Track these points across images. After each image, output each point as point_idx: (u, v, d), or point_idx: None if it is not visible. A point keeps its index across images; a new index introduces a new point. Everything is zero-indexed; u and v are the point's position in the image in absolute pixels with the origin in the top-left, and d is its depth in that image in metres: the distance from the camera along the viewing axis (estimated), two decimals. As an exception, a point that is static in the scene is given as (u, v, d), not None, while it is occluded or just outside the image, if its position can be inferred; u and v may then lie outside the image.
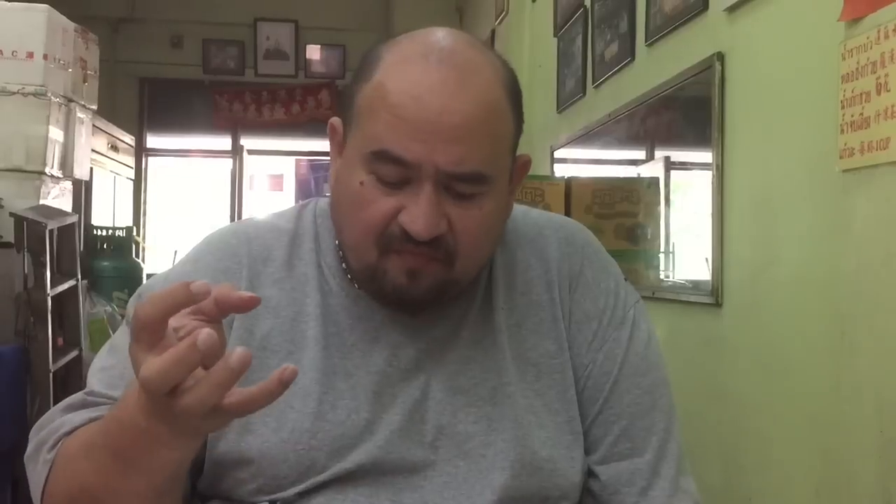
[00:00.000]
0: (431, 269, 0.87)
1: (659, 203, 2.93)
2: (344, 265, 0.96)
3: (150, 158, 7.46)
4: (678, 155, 3.06)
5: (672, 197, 2.95)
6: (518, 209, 1.03)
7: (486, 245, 0.92)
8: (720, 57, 2.14)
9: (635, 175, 3.35)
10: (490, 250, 0.95)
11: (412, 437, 0.90)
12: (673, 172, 3.07)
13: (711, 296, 2.18)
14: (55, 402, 3.59)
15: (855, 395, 1.55)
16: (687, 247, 2.81)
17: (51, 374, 3.73)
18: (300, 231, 0.99)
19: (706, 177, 2.25)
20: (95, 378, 0.94)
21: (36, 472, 0.87)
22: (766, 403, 1.91)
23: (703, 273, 2.27)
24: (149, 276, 5.45)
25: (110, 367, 0.94)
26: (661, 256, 2.93)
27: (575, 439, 0.94)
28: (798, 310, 1.78)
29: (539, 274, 0.98)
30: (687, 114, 2.64)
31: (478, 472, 0.90)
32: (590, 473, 0.96)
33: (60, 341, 3.94)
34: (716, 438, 2.14)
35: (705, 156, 2.25)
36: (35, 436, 0.89)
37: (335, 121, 0.94)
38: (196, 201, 8.55)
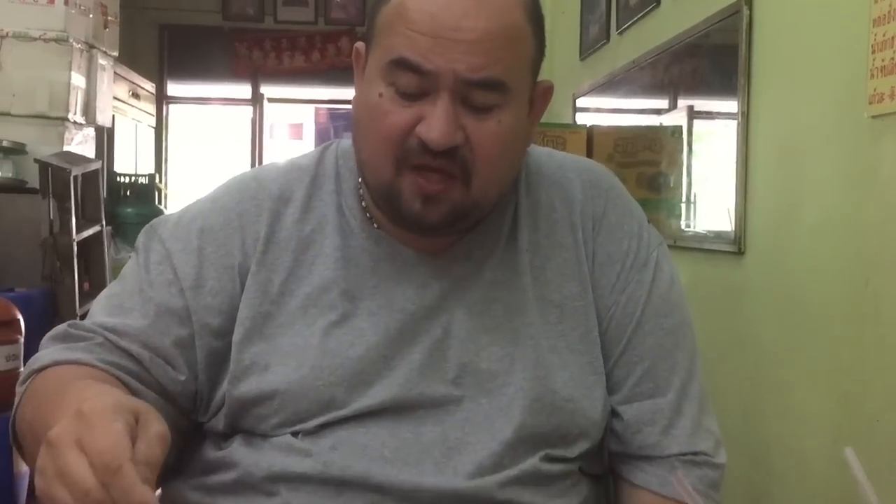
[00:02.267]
0: (447, 192, 0.87)
1: (682, 151, 2.90)
2: (364, 204, 0.96)
3: (170, 106, 7.46)
4: (702, 104, 3.02)
5: (695, 147, 2.93)
6: (542, 150, 1.04)
7: (504, 163, 0.91)
8: (748, 1, 2.10)
9: (658, 123, 3.32)
10: (509, 172, 0.94)
11: (434, 374, 0.92)
12: (696, 122, 3.04)
13: (734, 244, 2.17)
14: (83, 345, 3.56)
15: (877, 343, 1.55)
16: (709, 197, 2.79)
17: (78, 318, 3.80)
18: (321, 172, 1.00)
19: (730, 126, 2.23)
20: (99, 305, 0.97)
21: (14, 402, 0.92)
22: (786, 351, 1.92)
23: (725, 224, 2.26)
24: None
25: (114, 295, 0.97)
26: (683, 206, 2.92)
27: (597, 380, 0.96)
28: (822, 257, 1.77)
29: (563, 216, 0.99)
30: (712, 61, 2.60)
31: (499, 410, 0.92)
32: (612, 413, 0.98)
33: (87, 286, 4.01)
34: (735, 386, 2.15)
35: (730, 105, 2.23)
36: (24, 369, 0.94)
37: (359, 45, 0.94)
38: (216, 150, 8.57)
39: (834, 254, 1.71)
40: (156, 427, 0.67)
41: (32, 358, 0.93)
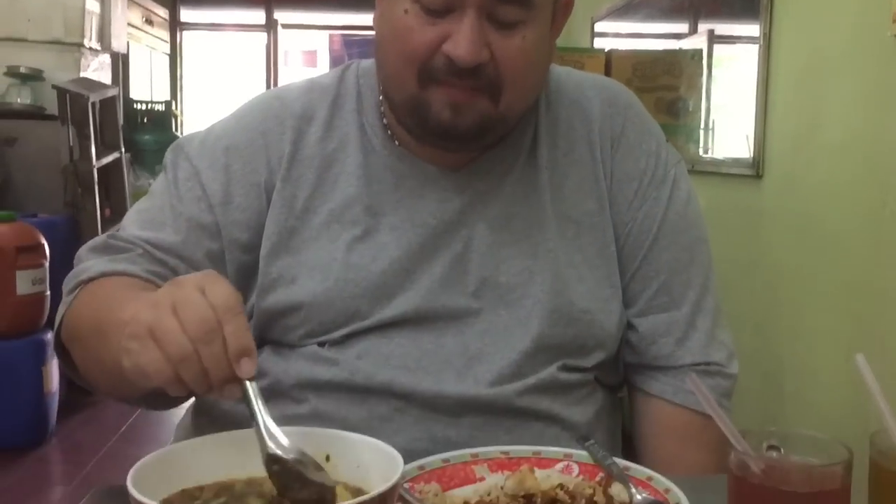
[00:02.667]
0: (475, 102, 0.87)
1: (701, 76, 2.87)
2: (385, 122, 0.98)
3: (184, 33, 7.39)
4: (723, 28, 2.97)
5: (714, 72, 2.89)
6: (561, 69, 1.04)
7: (529, 78, 0.91)
8: (772, -81, 2.06)
9: (678, 48, 3.27)
10: (534, 86, 0.94)
11: (454, 287, 0.94)
12: (716, 46, 3.00)
13: (752, 167, 2.17)
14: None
15: (892, 264, 1.57)
16: (727, 123, 2.77)
17: (104, 240, 3.86)
18: (342, 91, 1.01)
19: (751, 51, 2.20)
20: (130, 219, 0.99)
21: (59, 310, 0.95)
22: (801, 272, 1.93)
23: (743, 150, 2.25)
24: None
25: (145, 210, 0.99)
26: (701, 132, 2.91)
27: (613, 293, 0.98)
28: (840, 179, 1.77)
29: (582, 134, 1.00)
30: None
31: (517, 321, 0.94)
32: (628, 325, 1.00)
33: (108, 212, 4.05)
34: (749, 307, 2.18)
35: (751, 28, 2.20)
36: (69, 279, 0.95)
37: None
38: (231, 77, 8.51)
39: (852, 175, 1.72)
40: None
41: (77, 269, 0.95)
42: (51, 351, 3.31)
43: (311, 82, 1.02)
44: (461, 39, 0.83)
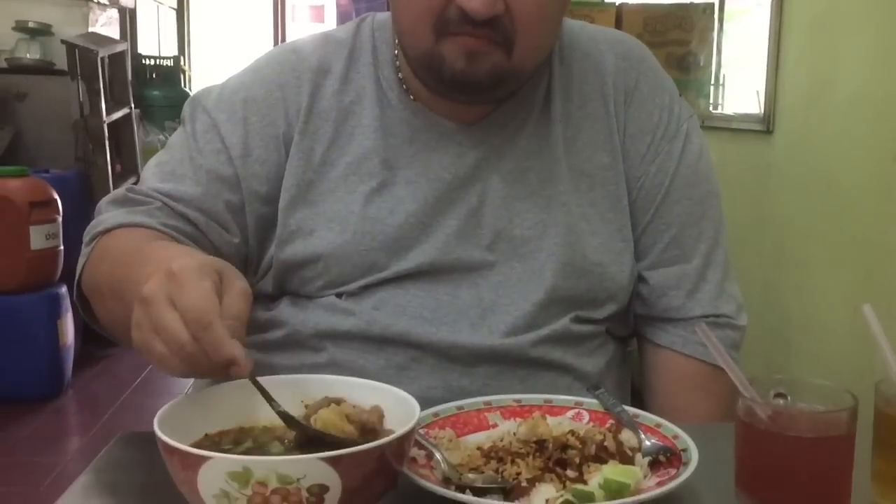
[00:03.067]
0: (489, 52, 0.87)
1: (712, 30, 2.85)
2: (401, 76, 0.98)
3: (191, -14, 7.32)
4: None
5: (726, 26, 2.87)
6: (575, 23, 1.04)
7: (543, 30, 0.91)
8: None
9: (689, 2, 3.24)
10: (548, 39, 0.95)
11: (469, 239, 0.96)
12: (728, 1, 2.97)
13: (762, 123, 2.17)
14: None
15: (901, 218, 1.58)
16: (738, 78, 2.75)
17: (114, 197, 3.88)
18: (358, 44, 1.01)
19: (763, 4, 2.18)
20: (150, 172, 1.00)
21: (79, 262, 0.96)
22: (810, 228, 1.94)
23: (753, 106, 2.24)
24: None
25: (164, 163, 1.00)
26: (712, 88, 2.89)
27: (626, 246, 0.99)
28: (850, 134, 1.77)
29: (595, 87, 1.00)
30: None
31: (531, 273, 0.96)
32: (639, 278, 1.01)
33: (118, 168, 4.06)
34: (758, 263, 2.19)
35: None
36: (87, 231, 0.97)
37: None
38: (238, 32, 8.45)
39: (863, 131, 1.72)
40: (239, 284, 0.70)
41: (95, 221, 0.97)
42: (65, 305, 3.35)
43: (327, 35, 1.03)
44: None
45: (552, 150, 0.98)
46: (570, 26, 1.02)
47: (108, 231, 0.94)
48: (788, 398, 0.68)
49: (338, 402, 0.72)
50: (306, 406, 0.73)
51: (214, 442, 0.69)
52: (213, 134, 0.97)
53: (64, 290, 3.36)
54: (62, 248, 3.33)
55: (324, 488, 0.58)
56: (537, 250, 0.96)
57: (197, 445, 0.66)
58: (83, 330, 3.66)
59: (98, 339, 4.00)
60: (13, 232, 3.15)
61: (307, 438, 0.67)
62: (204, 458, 0.58)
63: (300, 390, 0.74)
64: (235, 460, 0.58)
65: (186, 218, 0.95)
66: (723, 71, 2.94)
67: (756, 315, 2.13)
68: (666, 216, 1.00)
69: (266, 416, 0.71)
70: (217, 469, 0.58)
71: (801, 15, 2.01)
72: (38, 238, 3.21)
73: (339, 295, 0.95)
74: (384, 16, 1.02)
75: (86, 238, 0.96)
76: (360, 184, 0.95)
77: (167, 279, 0.68)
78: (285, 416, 0.68)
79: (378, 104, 0.98)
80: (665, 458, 0.73)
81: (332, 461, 0.58)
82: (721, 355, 0.68)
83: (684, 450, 0.72)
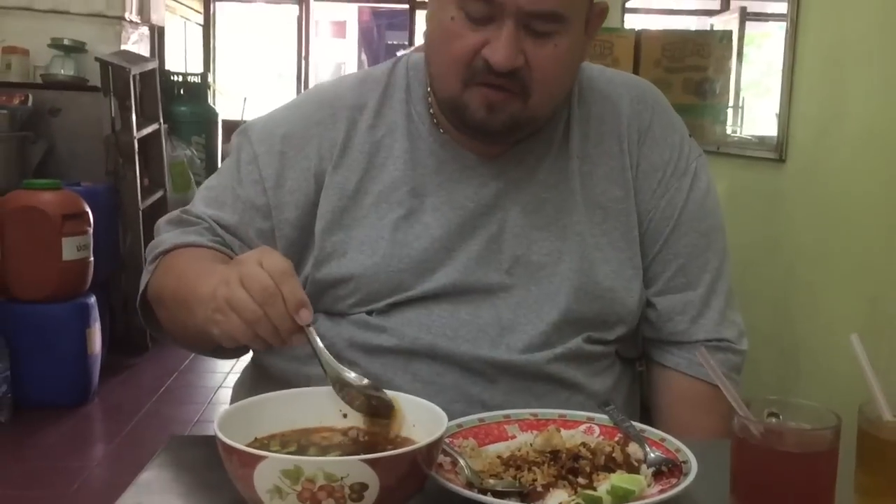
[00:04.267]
0: (508, 102, 0.97)
1: (730, 58, 2.92)
2: (431, 111, 1.07)
3: (217, 3, 7.48)
4: (755, 5, 3.01)
5: (745, 49, 2.93)
6: (594, 68, 1.12)
7: (558, 82, 1.00)
8: None
9: (709, 26, 3.31)
10: (563, 89, 1.03)
11: (490, 264, 1.04)
12: (748, 24, 3.03)
13: (776, 151, 2.23)
14: (145, 240, 3.91)
15: (905, 248, 1.64)
16: (757, 101, 2.81)
17: (140, 212, 3.99)
18: (392, 82, 1.10)
19: (782, 28, 2.24)
20: (200, 195, 1.13)
21: (143, 278, 1.09)
22: (819, 255, 2.00)
23: (772, 128, 2.30)
24: (224, 122, 5.63)
25: (212, 188, 1.12)
26: (730, 111, 2.95)
27: (635, 274, 1.07)
28: (860, 166, 1.84)
29: (611, 127, 1.08)
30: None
31: (546, 296, 1.03)
32: (647, 304, 1.09)
33: (146, 182, 4.18)
34: (768, 286, 2.26)
35: (782, 6, 2.24)
36: (149, 250, 1.10)
37: None
38: (263, 48, 8.59)
39: (872, 164, 1.78)
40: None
41: (155, 241, 1.10)
42: (94, 314, 3.45)
43: (366, 74, 1.12)
44: (499, 46, 0.93)
45: (569, 184, 1.06)
46: (589, 70, 1.10)
47: (167, 251, 1.06)
48: (780, 417, 0.76)
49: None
50: (345, 416, 0.82)
51: (263, 444, 0.78)
52: (253, 165, 1.08)
53: (93, 300, 3.46)
54: (92, 259, 3.44)
55: (364, 486, 0.66)
56: (553, 275, 1.03)
57: (249, 447, 0.75)
58: (109, 340, 3.78)
59: (124, 349, 4.12)
60: (46, 243, 3.26)
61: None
62: (261, 458, 0.67)
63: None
64: (288, 460, 0.67)
65: (224, 240, 1.07)
66: (742, 94, 3.01)
67: (767, 337, 2.20)
68: (674, 247, 1.07)
69: (309, 422, 0.81)
70: (272, 467, 0.66)
71: (814, 49, 2.09)
72: (69, 249, 3.32)
73: (369, 312, 1.04)
74: (419, 55, 1.11)
75: (148, 256, 1.08)
76: (390, 211, 1.04)
77: (255, 251, 0.86)
78: (329, 368, 0.82)
79: (408, 137, 1.06)
80: (667, 469, 0.80)
81: (371, 463, 0.66)
82: (718, 377, 0.76)
83: (685, 462, 0.80)
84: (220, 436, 0.69)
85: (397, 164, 1.06)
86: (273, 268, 0.81)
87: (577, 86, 1.08)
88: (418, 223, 1.04)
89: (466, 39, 0.95)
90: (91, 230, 3.44)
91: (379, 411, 0.82)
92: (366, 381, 0.83)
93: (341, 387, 0.82)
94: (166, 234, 1.08)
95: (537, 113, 1.00)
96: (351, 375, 0.82)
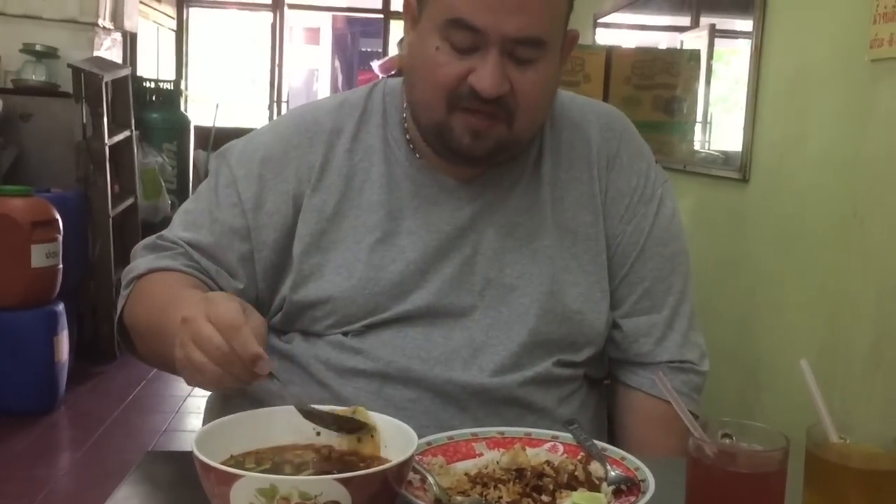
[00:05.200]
0: (493, 129, 1.00)
1: (698, 77, 2.98)
2: (408, 136, 1.10)
3: (191, 9, 7.46)
4: (724, 23, 3.07)
5: (714, 66, 2.99)
6: (565, 94, 1.16)
7: (541, 106, 1.04)
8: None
9: (678, 43, 3.37)
10: (544, 112, 1.07)
11: (462, 286, 1.07)
12: (717, 40, 3.10)
13: (739, 172, 2.29)
14: (115, 247, 3.88)
15: (860, 268, 1.70)
16: (725, 116, 2.86)
17: (110, 219, 3.98)
18: (369, 107, 1.13)
19: (750, 45, 2.29)
20: (177, 219, 1.14)
21: (118, 302, 1.11)
22: (780, 274, 2.06)
23: (738, 144, 2.35)
24: (196, 127, 5.62)
25: (189, 212, 1.13)
26: (698, 126, 3.01)
27: (603, 296, 1.10)
28: (818, 188, 1.90)
29: (582, 154, 1.12)
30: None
31: (517, 316, 1.07)
32: (614, 325, 1.13)
33: (117, 189, 4.16)
34: (731, 304, 2.31)
35: (750, 24, 2.29)
36: (124, 275, 1.11)
37: None
38: (236, 53, 8.58)
39: (829, 187, 1.84)
40: (256, 316, 0.85)
41: (131, 266, 1.11)
42: (62, 322, 3.44)
43: (343, 99, 1.15)
44: (486, 74, 0.96)
45: (540, 209, 1.09)
46: (561, 97, 1.14)
47: (141, 276, 1.07)
48: (734, 438, 0.80)
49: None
50: (318, 434, 0.84)
51: (238, 462, 0.80)
52: (231, 189, 1.10)
53: (61, 307, 3.45)
54: (61, 266, 3.43)
55: (336, 504, 0.69)
56: (522, 296, 1.07)
57: (224, 464, 0.77)
58: (77, 347, 3.76)
59: (91, 357, 4.10)
60: (15, 250, 3.24)
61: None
62: (237, 476, 0.69)
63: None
64: (264, 478, 0.69)
65: (200, 264, 1.09)
66: (710, 110, 3.07)
67: (729, 353, 2.25)
68: (640, 271, 1.11)
69: (280, 440, 0.84)
70: (248, 486, 0.69)
71: (777, 73, 2.15)
72: (38, 256, 3.30)
73: (344, 334, 1.06)
74: (395, 82, 1.14)
75: (123, 281, 1.10)
76: (367, 234, 1.07)
77: (203, 302, 0.84)
78: (298, 402, 0.84)
79: (385, 161, 1.09)
80: (626, 488, 0.84)
81: (344, 482, 0.69)
82: (675, 401, 0.80)
83: (643, 480, 0.83)
84: (198, 454, 0.72)
85: (374, 188, 1.08)
86: (221, 323, 0.81)
87: (550, 113, 1.12)
88: (394, 246, 1.07)
89: (452, 68, 0.98)
90: (61, 237, 3.42)
91: (354, 430, 0.84)
92: (337, 409, 0.85)
93: (314, 419, 0.84)
94: (141, 259, 1.10)
95: (521, 136, 1.03)
96: (322, 409, 0.85)
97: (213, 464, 0.71)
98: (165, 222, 4.79)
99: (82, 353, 3.82)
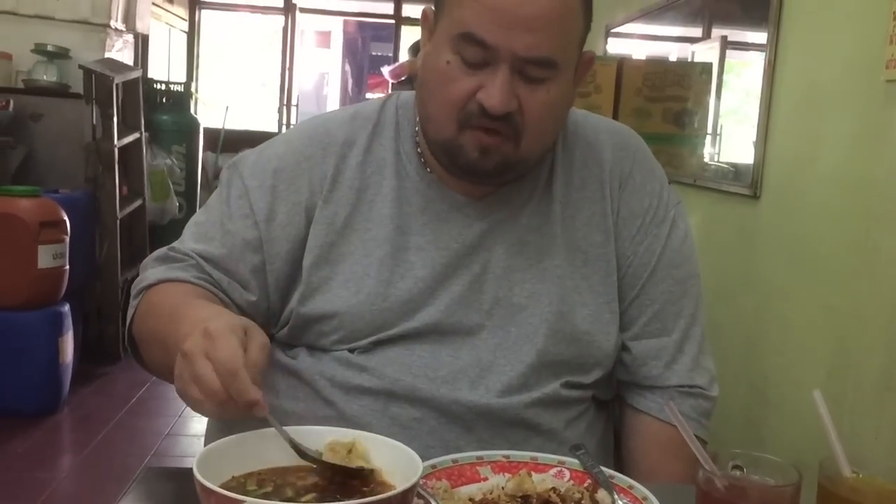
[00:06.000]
0: (500, 146, 0.99)
1: (709, 91, 2.97)
2: (419, 150, 1.09)
3: (203, 11, 7.48)
4: (736, 34, 3.05)
5: (725, 77, 2.97)
6: (579, 113, 1.15)
7: (549, 126, 1.03)
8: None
9: (690, 53, 3.36)
10: (553, 133, 1.06)
11: (471, 304, 1.05)
12: (729, 52, 3.08)
13: (750, 188, 2.28)
14: (122, 249, 3.87)
15: (871, 290, 1.68)
16: (735, 129, 2.85)
17: (118, 221, 3.98)
18: (382, 120, 1.12)
19: (762, 57, 2.27)
20: (189, 231, 1.13)
21: (128, 313, 1.10)
22: (790, 292, 2.05)
23: (748, 156, 2.33)
24: (206, 129, 5.61)
25: (200, 224, 1.12)
26: (708, 138, 2.99)
27: (612, 318, 1.09)
28: (830, 208, 1.88)
29: (594, 173, 1.11)
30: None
31: (525, 337, 1.05)
32: (623, 347, 1.11)
33: (125, 190, 4.16)
34: (741, 321, 2.29)
35: (762, 36, 2.28)
36: (135, 286, 1.10)
37: (427, 9, 1.06)
38: (247, 56, 8.60)
39: (841, 207, 1.83)
40: (259, 339, 0.84)
41: (141, 276, 1.10)
42: (67, 323, 3.43)
43: (356, 112, 1.14)
44: (494, 91, 0.95)
45: (551, 227, 1.08)
46: (574, 115, 1.13)
47: (151, 286, 1.06)
48: (744, 470, 0.78)
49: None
50: (320, 455, 0.83)
51: (240, 483, 0.79)
52: (244, 200, 1.08)
53: (67, 308, 3.44)
54: (68, 267, 3.42)
55: (339, 532, 0.68)
56: (531, 316, 1.05)
57: (225, 486, 0.76)
58: (82, 348, 3.75)
59: (96, 358, 4.10)
60: (22, 250, 3.24)
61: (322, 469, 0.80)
62: (238, 501, 0.68)
63: (320, 438, 0.84)
64: (265, 504, 0.68)
65: (212, 277, 1.07)
66: (721, 121, 3.06)
67: (737, 371, 2.23)
68: (651, 293, 1.10)
69: (284, 461, 0.82)
70: (249, 511, 0.67)
71: (789, 91, 2.13)
72: (45, 257, 3.30)
73: (351, 350, 1.05)
74: (408, 95, 1.13)
75: (133, 291, 1.09)
76: (377, 248, 1.06)
77: (203, 337, 0.82)
78: (298, 449, 0.81)
79: (396, 175, 1.08)
80: (634, 518, 0.82)
81: (347, 510, 0.68)
82: (685, 432, 0.78)
83: (651, 510, 0.82)
84: (199, 477, 0.71)
85: (385, 202, 1.07)
86: (219, 365, 0.80)
87: (563, 130, 1.10)
88: (404, 262, 1.06)
89: (461, 83, 0.97)
90: (68, 238, 3.42)
91: (351, 477, 0.82)
92: (336, 443, 0.83)
93: (309, 461, 0.82)
94: (151, 270, 1.09)
95: (528, 156, 1.02)
96: (321, 453, 0.82)
97: (214, 487, 0.70)
98: (173, 224, 4.78)
99: (87, 355, 3.82)
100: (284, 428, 0.82)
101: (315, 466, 0.82)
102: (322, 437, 0.84)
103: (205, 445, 0.87)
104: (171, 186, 4.74)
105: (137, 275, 1.12)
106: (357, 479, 0.80)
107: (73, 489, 2.84)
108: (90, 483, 2.87)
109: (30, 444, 3.11)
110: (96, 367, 3.91)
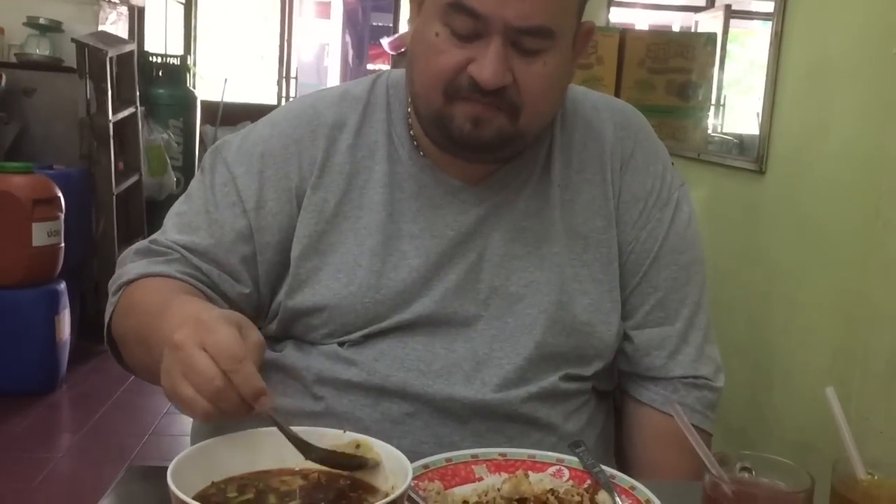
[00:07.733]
0: (495, 118, 0.93)
1: (713, 63, 2.91)
2: (412, 133, 1.03)
3: (200, -19, 7.35)
4: (740, 3, 2.99)
5: (729, 47, 2.91)
6: (578, 90, 1.09)
7: (548, 100, 0.97)
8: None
9: (693, 22, 3.30)
10: (553, 108, 1.00)
11: (467, 294, 1.01)
12: (732, 21, 3.02)
13: (756, 163, 2.22)
14: (118, 225, 3.81)
15: (881, 269, 1.63)
16: (739, 99, 2.79)
17: (114, 197, 3.92)
18: (373, 100, 1.06)
19: (766, 27, 2.22)
20: (170, 221, 1.06)
21: (107, 310, 1.03)
22: (797, 270, 2.00)
23: (753, 127, 2.28)
24: (204, 102, 5.54)
25: (183, 214, 1.05)
26: (712, 109, 2.94)
27: (614, 307, 1.04)
28: (838, 184, 1.83)
29: (594, 154, 1.05)
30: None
31: (523, 328, 1.01)
32: (625, 337, 1.06)
33: (121, 166, 4.11)
34: (745, 299, 2.25)
35: (767, 5, 2.21)
36: (113, 281, 1.03)
37: None
38: (245, 28, 8.49)
39: (850, 182, 1.77)
40: (254, 336, 0.77)
41: (120, 271, 1.03)
42: (63, 301, 3.40)
43: (345, 91, 1.08)
44: (486, 64, 0.89)
45: (550, 212, 1.03)
46: (573, 93, 1.07)
47: (131, 281, 1.00)
48: (753, 472, 0.74)
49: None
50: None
51: (220, 489, 0.74)
52: (230, 187, 1.03)
53: (63, 286, 3.41)
54: (63, 244, 3.38)
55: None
56: (529, 306, 1.01)
57: (204, 492, 0.72)
58: (79, 326, 3.72)
59: (94, 336, 4.05)
60: (16, 228, 3.20)
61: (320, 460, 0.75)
62: (213, 516, 0.64)
63: (312, 440, 0.79)
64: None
65: (201, 270, 1.01)
66: (724, 92, 3.00)
67: (742, 350, 2.19)
68: (653, 280, 1.05)
69: (266, 464, 0.77)
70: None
71: (797, 65, 2.07)
72: (40, 235, 3.26)
73: (341, 344, 1.00)
74: (398, 73, 1.07)
75: (112, 288, 1.02)
76: (368, 237, 1.00)
77: (196, 326, 0.75)
78: (298, 441, 0.75)
79: (388, 159, 1.03)
80: (636, 522, 0.78)
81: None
82: (692, 436, 0.74)
83: (655, 514, 0.78)
84: (173, 488, 0.66)
85: (376, 188, 1.02)
86: (220, 353, 0.73)
87: (561, 109, 1.05)
88: (397, 251, 1.01)
89: (451, 56, 0.91)
90: (63, 215, 3.38)
91: (358, 468, 0.77)
92: (337, 442, 0.77)
93: (314, 458, 0.76)
94: (131, 265, 1.02)
95: (526, 130, 0.95)
96: (322, 448, 0.77)
97: (187, 499, 0.65)
98: (171, 199, 4.74)
99: (84, 333, 3.78)
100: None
101: (302, 471, 0.78)
102: (321, 439, 0.79)
103: (191, 445, 0.83)
104: (169, 161, 4.69)
105: None
106: (362, 468, 0.76)
107: (72, 468, 2.82)
108: (89, 462, 2.85)
109: (28, 423, 3.09)
110: (94, 345, 3.87)
